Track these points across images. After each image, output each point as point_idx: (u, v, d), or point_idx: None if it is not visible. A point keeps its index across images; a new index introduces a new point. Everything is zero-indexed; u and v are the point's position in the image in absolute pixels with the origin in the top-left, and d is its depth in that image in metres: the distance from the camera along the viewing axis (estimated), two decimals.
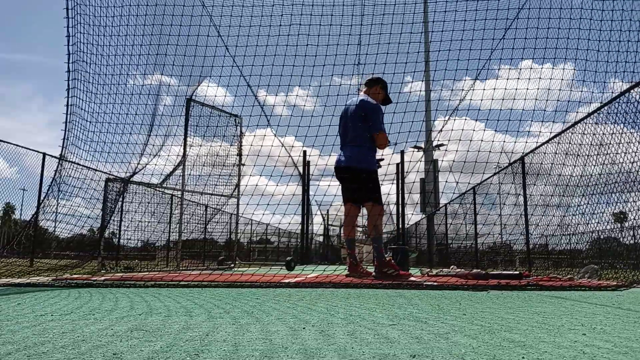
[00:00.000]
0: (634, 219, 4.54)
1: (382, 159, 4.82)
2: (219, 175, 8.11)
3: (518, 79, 4.84)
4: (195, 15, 5.51)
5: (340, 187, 4.72)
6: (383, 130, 4.43)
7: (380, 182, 4.63)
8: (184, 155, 7.09)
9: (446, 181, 5.12)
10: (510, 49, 4.87)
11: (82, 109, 5.19)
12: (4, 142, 9.31)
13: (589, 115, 5.29)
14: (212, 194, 8.24)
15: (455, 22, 4.97)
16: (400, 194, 13.70)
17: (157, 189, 7.72)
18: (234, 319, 1.64)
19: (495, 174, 9.05)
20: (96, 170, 5.81)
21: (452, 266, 7.78)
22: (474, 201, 10.46)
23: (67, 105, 4.92)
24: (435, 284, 3.58)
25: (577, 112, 4.96)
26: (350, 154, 4.50)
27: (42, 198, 5.57)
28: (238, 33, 5.13)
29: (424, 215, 18.30)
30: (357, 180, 4.44)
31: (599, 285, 3.59)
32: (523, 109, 4.71)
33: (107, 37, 5.33)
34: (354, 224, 4.72)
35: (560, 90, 4.70)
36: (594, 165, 5.26)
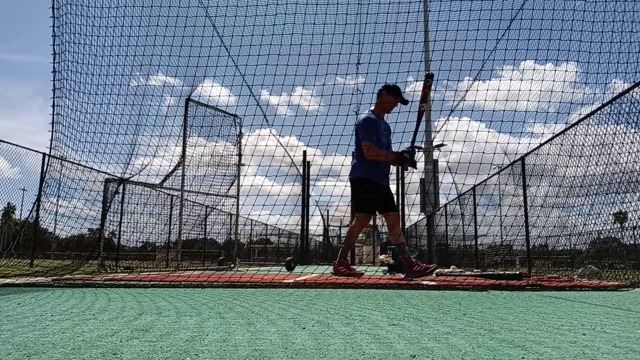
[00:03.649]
0: (633, 219, 4.54)
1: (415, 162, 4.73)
2: (214, 175, 8.10)
3: (511, 79, 4.85)
4: (193, 16, 5.51)
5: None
6: (367, 139, 4.59)
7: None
8: (183, 155, 7.09)
9: (441, 182, 5.16)
10: (511, 49, 4.88)
11: (72, 109, 5.19)
12: (4, 142, 9.30)
13: (588, 115, 5.29)
14: (211, 194, 8.24)
15: (453, 22, 4.98)
16: (400, 194, 13.70)
17: (157, 189, 7.72)
18: (234, 318, 1.64)
19: (495, 174, 9.05)
20: (92, 169, 5.81)
21: (452, 266, 7.78)
22: (474, 201, 10.45)
23: (53, 106, 4.95)
24: (434, 284, 3.58)
25: (566, 115, 4.97)
26: (352, 166, 4.83)
27: (36, 200, 5.58)
28: (233, 32, 5.15)
29: (424, 215, 18.29)
30: (352, 190, 4.81)
31: (599, 285, 3.59)
32: (515, 110, 4.71)
33: (102, 37, 5.33)
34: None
35: (550, 92, 4.70)
36: (595, 165, 5.26)
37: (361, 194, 4.67)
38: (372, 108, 4.82)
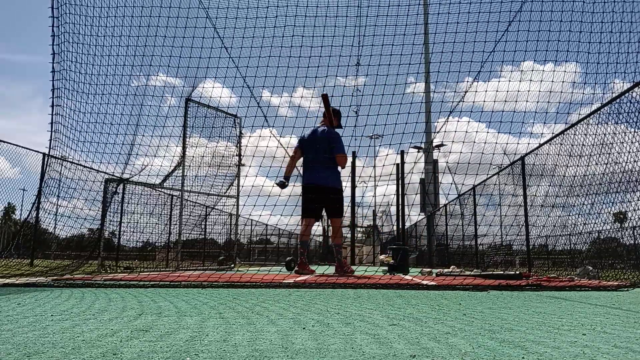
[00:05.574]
0: (633, 218, 4.54)
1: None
2: (214, 175, 8.09)
3: (510, 80, 4.85)
4: (194, 16, 5.51)
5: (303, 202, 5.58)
6: (345, 152, 5.41)
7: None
8: (183, 156, 7.09)
9: (441, 182, 5.22)
10: (511, 50, 4.88)
11: (71, 108, 5.20)
12: (4, 142, 9.30)
13: (588, 115, 5.29)
14: (211, 194, 8.23)
15: (453, 22, 4.98)
16: (400, 194, 13.69)
17: (157, 189, 7.72)
18: (234, 318, 1.64)
19: (495, 174, 9.04)
20: (92, 169, 5.82)
21: (452, 266, 7.77)
22: (474, 201, 10.45)
23: (53, 106, 4.96)
24: (434, 284, 3.58)
25: (566, 115, 4.97)
26: (328, 175, 5.41)
27: (36, 199, 5.59)
28: (233, 34, 5.15)
29: (424, 215, 18.29)
30: (334, 197, 5.41)
31: (599, 285, 3.59)
32: (515, 110, 4.71)
33: (101, 37, 5.33)
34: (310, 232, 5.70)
35: (550, 92, 4.70)
36: (595, 165, 5.26)
37: (342, 201, 5.51)
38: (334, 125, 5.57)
